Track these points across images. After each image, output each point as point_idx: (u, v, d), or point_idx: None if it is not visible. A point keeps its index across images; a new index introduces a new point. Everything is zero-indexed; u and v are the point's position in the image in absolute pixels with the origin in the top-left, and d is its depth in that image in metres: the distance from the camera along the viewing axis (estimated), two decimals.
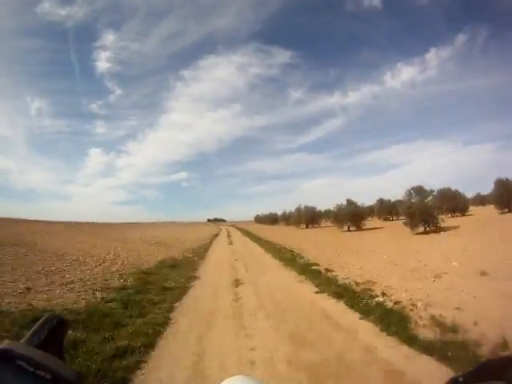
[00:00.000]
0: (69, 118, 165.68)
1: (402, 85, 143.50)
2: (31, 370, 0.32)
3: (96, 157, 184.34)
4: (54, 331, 0.37)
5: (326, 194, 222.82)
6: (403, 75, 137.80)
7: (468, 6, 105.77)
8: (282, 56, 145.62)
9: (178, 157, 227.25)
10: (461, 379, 0.40)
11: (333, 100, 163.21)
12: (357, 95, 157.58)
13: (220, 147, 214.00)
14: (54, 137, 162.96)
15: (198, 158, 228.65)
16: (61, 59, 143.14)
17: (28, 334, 0.37)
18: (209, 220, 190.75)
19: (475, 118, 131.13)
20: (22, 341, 0.36)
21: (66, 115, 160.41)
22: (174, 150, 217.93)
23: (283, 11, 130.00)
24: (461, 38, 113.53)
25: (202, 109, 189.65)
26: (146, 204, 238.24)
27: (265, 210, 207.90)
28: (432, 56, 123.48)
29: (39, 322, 0.39)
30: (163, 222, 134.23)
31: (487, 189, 30.50)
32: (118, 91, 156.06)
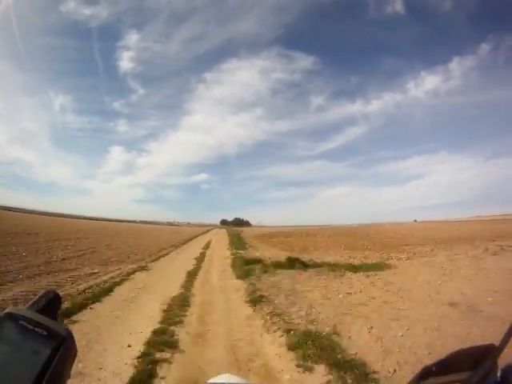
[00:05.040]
0: (91, 115, 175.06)
1: (425, 94, 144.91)
2: (30, 327, 0.41)
3: (117, 154, 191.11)
4: (50, 302, 0.47)
5: (345, 202, 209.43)
6: (427, 84, 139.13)
7: (492, 14, 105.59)
8: (305, 61, 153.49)
9: (198, 159, 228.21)
10: (434, 368, 0.40)
11: (354, 107, 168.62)
12: (379, 103, 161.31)
13: (241, 151, 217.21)
14: (76, 133, 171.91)
15: (219, 160, 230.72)
16: (85, 57, 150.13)
17: (30, 302, 0.46)
18: (223, 222, 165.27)
19: (498, 131, 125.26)
20: (25, 307, 0.45)
21: (88, 112, 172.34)
22: (195, 151, 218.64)
23: (305, 17, 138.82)
24: (484, 47, 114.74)
25: (224, 112, 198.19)
26: (164, 204, 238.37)
27: (286, 215, 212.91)
28: (455, 65, 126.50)
29: (40, 294, 0.48)
30: (178, 223, 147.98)
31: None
32: (141, 91, 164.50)
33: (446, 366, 0.40)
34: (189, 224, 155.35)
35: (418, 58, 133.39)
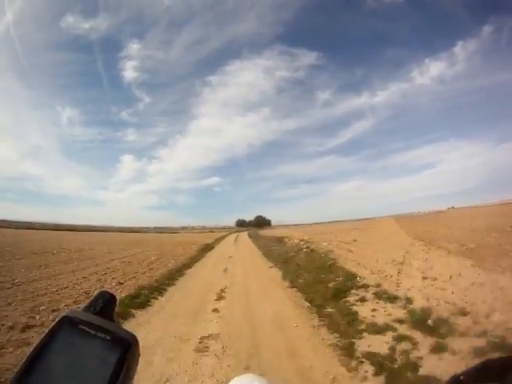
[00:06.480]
0: (100, 126, 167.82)
1: (431, 81, 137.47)
2: (92, 332, 0.38)
3: (128, 163, 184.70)
4: (107, 303, 0.44)
5: (359, 196, 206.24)
6: (431, 71, 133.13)
7: None
8: (307, 58, 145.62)
9: (209, 162, 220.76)
10: (462, 377, 0.39)
11: (361, 100, 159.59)
12: (385, 94, 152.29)
13: (250, 152, 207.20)
14: (85, 144, 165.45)
15: (229, 162, 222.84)
16: (89, 70, 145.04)
17: (85, 304, 0.44)
18: (239, 223, 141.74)
19: (508, 114, 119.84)
20: (80, 310, 0.43)
21: (97, 123, 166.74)
22: (204, 155, 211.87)
23: (303, 12, 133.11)
24: (487, 30, 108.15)
25: (231, 114, 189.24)
26: (177, 209, 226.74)
27: (301, 213, 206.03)
28: (459, 50, 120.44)
29: (94, 295, 0.46)
30: (192, 227, 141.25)
31: None
32: (147, 99, 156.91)
33: (474, 375, 0.40)
34: (204, 228, 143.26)
35: (420, 45, 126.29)
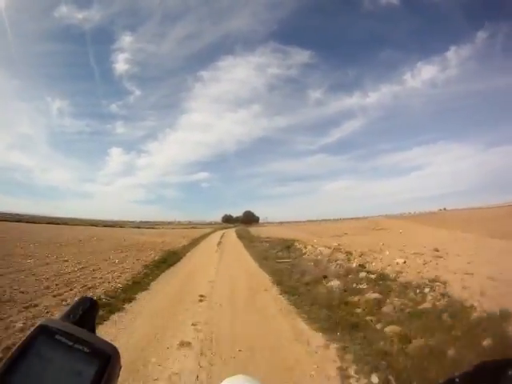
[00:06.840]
0: (89, 118, 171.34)
1: (422, 84, 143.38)
2: (70, 343, 0.35)
3: (117, 156, 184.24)
4: (87, 311, 0.41)
5: (348, 195, 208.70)
6: (424, 74, 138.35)
7: (487, 1, 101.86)
8: (301, 56, 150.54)
9: (198, 157, 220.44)
10: (457, 380, 0.39)
11: (352, 100, 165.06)
12: (377, 95, 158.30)
13: (240, 148, 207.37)
14: (75, 136, 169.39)
15: (219, 158, 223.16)
16: (80, 61, 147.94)
17: (64, 312, 0.40)
18: (226, 219, 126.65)
19: (498, 118, 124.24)
20: (58, 318, 0.39)
21: (86, 115, 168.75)
22: (194, 150, 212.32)
23: (299, 11, 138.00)
24: (481, 36, 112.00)
25: (222, 109, 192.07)
26: (165, 203, 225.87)
27: (290, 211, 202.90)
28: (452, 54, 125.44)
29: (74, 302, 0.42)
30: (179, 222, 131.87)
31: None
32: (137, 92, 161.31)
33: (469, 377, 0.40)
34: (189, 223, 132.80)
35: (414, 48, 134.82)
